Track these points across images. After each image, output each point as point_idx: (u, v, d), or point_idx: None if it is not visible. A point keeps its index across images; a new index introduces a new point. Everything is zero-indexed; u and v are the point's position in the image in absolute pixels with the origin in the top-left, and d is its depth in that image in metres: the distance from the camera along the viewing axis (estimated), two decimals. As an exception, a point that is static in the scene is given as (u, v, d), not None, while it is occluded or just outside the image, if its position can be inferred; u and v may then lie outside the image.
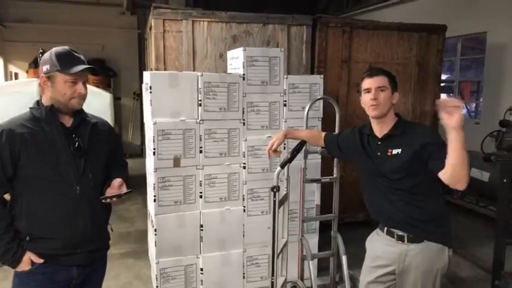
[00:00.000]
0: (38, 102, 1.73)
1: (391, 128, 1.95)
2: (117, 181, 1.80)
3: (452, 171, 1.64)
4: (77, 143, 1.72)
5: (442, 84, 5.07)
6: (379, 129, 1.98)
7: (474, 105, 7.06)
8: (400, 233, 1.92)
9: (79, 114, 1.77)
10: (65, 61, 1.67)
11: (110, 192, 1.78)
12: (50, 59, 1.68)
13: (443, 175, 1.69)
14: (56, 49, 1.71)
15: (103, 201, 1.76)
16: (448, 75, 7.15)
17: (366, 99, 1.96)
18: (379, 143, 1.97)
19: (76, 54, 1.73)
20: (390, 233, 1.95)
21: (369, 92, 1.94)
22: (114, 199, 1.76)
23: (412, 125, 2.02)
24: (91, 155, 1.76)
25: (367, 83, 1.95)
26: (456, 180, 1.65)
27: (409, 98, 4.52)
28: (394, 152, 1.90)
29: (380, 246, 2.01)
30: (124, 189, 1.79)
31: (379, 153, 1.95)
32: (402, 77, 4.36)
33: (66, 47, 1.73)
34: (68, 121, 1.74)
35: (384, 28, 4.43)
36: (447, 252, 1.90)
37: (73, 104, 1.71)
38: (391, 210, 1.91)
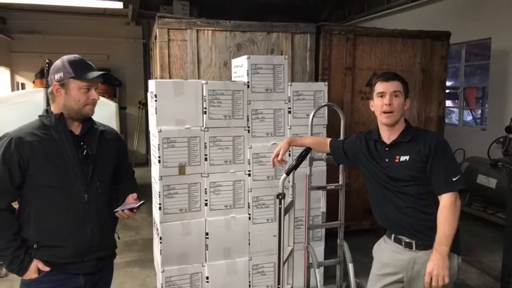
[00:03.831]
0: (47, 110, 1.74)
1: (400, 134, 1.93)
2: (132, 196, 1.89)
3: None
4: (85, 151, 1.73)
5: (447, 91, 5.06)
6: (388, 136, 1.95)
7: (480, 111, 7.03)
8: (407, 240, 1.89)
9: (87, 122, 1.78)
10: (79, 68, 1.69)
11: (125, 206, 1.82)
12: (62, 66, 1.69)
13: (439, 207, 1.80)
14: (67, 57, 1.72)
15: (116, 214, 1.80)
16: (452, 82, 7.14)
17: (378, 104, 1.90)
18: (387, 149, 1.94)
19: (87, 61, 1.75)
20: (398, 240, 1.93)
21: (382, 96, 1.89)
22: (127, 212, 1.79)
23: (420, 131, 1.98)
24: (99, 163, 1.77)
25: (382, 86, 1.89)
26: None
27: (414, 105, 4.51)
28: (402, 159, 1.88)
29: (387, 254, 1.98)
30: (138, 202, 1.84)
31: (387, 160, 1.93)
32: (407, 84, 4.36)
33: (77, 55, 1.75)
34: (76, 129, 1.75)
35: (387, 35, 4.44)
36: (456, 259, 1.87)
37: (86, 110, 1.73)
38: (399, 216, 1.89)
